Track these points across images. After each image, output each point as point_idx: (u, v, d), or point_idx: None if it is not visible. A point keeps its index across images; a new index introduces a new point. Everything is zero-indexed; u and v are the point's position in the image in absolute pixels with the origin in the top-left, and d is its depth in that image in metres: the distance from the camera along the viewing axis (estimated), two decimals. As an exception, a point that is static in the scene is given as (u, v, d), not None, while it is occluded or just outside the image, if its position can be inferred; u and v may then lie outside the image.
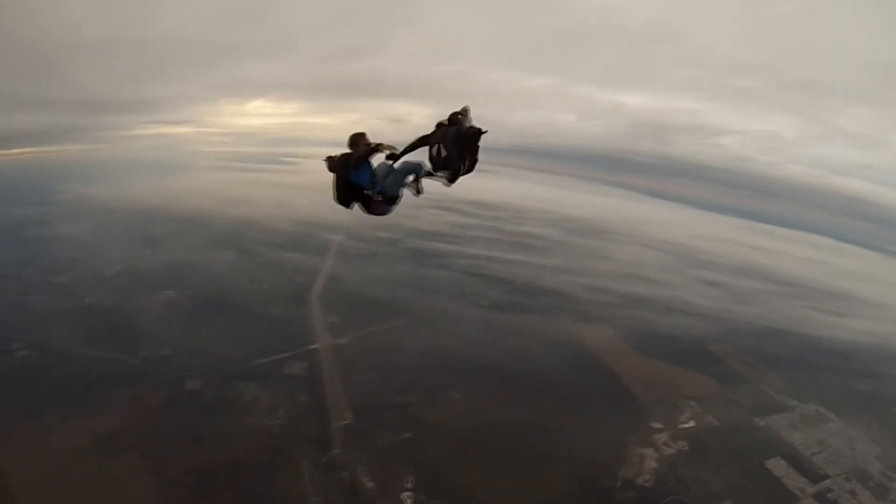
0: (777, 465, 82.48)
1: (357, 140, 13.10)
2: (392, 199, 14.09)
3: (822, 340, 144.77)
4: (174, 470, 71.20)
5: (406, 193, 14.49)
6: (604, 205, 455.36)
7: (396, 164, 13.57)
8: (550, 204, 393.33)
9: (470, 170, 12.81)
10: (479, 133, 12.12)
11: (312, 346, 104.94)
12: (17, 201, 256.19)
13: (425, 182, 14.06)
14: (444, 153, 12.58)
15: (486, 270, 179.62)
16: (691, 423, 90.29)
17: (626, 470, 78.97)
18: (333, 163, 13.26)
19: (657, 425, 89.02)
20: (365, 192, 13.42)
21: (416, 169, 13.43)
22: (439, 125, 13.37)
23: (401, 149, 13.46)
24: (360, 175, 13.02)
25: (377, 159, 13.42)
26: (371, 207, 13.92)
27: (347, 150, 13.23)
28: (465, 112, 13.32)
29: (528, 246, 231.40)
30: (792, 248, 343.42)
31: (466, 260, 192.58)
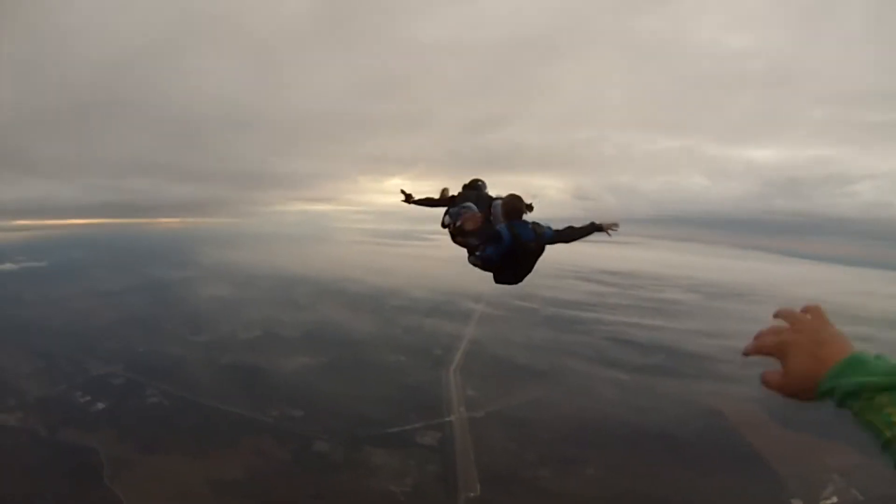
0: (926, 545, 74.77)
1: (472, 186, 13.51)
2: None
3: None
4: (289, 524, 70.46)
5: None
6: (743, 268, 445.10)
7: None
8: (689, 270, 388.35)
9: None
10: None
11: (447, 419, 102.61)
12: (164, 264, 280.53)
13: None
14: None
15: (626, 336, 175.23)
16: (833, 500, 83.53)
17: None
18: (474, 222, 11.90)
19: (797, 502, 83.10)
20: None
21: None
22: (465, 187, 13.50)
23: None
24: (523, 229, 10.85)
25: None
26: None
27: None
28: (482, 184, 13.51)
29: (669, 312, 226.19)
30: None
31: (606, 326, 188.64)
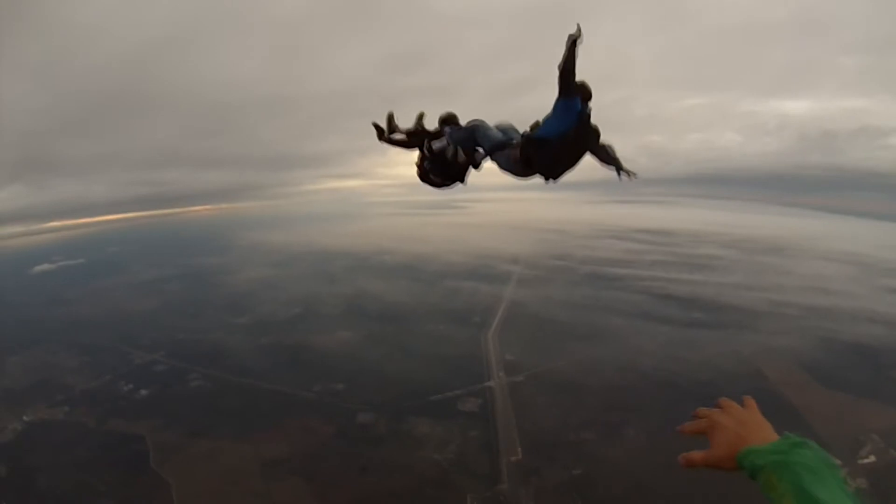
0: (970, 500, 73.50)
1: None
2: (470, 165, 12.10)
3: None
4: (339, 497, 70.68)
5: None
6: (779, 224, 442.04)
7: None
8: (724, 227, 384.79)
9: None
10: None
11: (487, 384, 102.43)
12: (200, 251, 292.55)
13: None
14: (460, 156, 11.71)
15: (666, 291, 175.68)
16: (871, 458, 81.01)
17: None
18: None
19: (835, 461, 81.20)
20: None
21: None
22: (442, 123, 12.26)
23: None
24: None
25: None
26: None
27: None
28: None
29: (707, 266, 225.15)
30: None
31: (645, 282, 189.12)
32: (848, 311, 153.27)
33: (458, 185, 12.37)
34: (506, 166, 10.23)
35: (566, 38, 8.02)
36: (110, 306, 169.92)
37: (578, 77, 8.48)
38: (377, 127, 12.62)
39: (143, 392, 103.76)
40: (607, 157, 10.24)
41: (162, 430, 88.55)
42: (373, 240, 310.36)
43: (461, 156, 11.72)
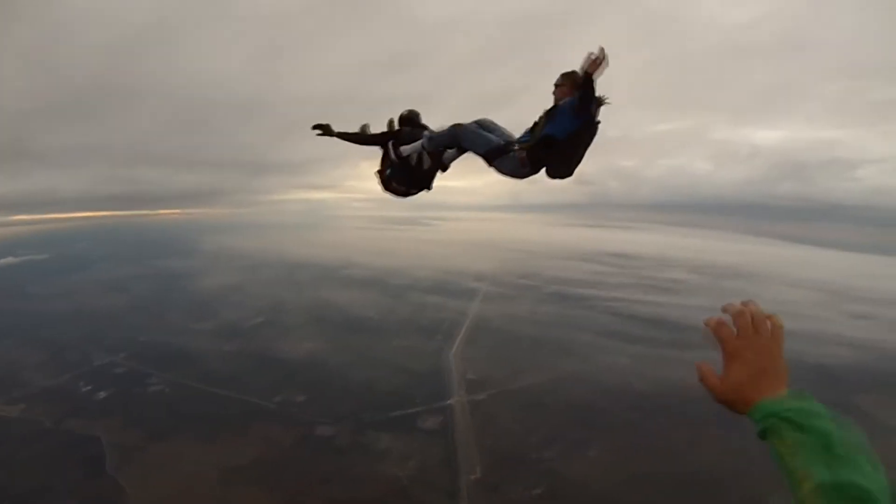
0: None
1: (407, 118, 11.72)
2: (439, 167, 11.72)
3: None
4: (299, 506, 70.61)
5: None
6: (747, 251, 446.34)
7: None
8: (692, 253, 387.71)
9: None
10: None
11: (449, 402, 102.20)
12: (167, 254, 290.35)
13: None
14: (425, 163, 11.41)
15: (631, 311, 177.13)
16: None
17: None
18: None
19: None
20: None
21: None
22: (403, 121, 11.81)
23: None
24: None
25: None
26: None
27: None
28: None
29: (672, 290, 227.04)
30: None
31: (610, 303, 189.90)
32: (813, 334, 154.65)
33: (424, 192, 11.87)
34: (508, 169, 10.03)
35: (589, 61, 8.18)
36: (73, 304, 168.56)
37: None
38: (321, 126, 11.47)
39: (102, 393, 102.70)
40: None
41: (120, 433, 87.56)
42: (340, 251, 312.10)
43: (426, 160, 11.39)
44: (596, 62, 8.21)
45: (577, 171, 9.91)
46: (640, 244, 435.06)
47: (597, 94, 8.65)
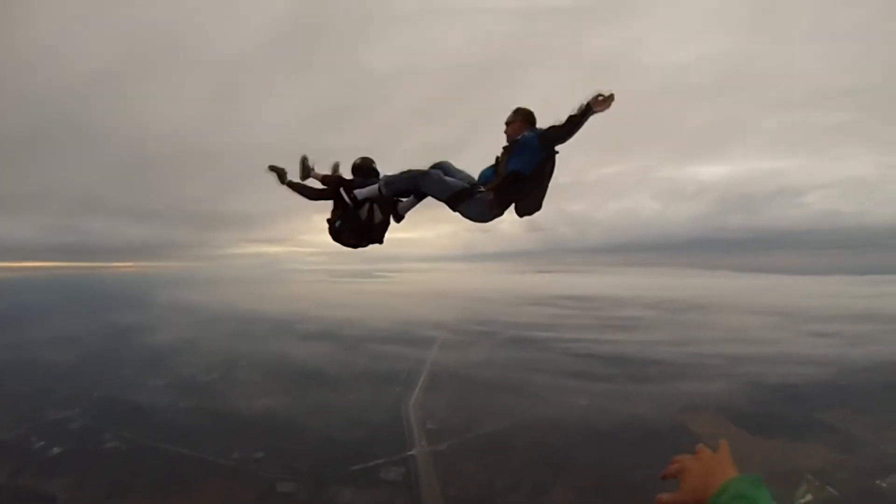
0: (905, 525, 75.19)
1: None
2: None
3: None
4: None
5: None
6: (702, 285, 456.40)
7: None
8: (646, 290, 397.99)
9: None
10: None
11: (410, 453, 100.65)
12: (120, 308, 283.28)
13: None
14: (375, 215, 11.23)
15: (589, 350, 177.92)
16: (808, 497, 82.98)
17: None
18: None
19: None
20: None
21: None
22: (356, 171, 11.73)
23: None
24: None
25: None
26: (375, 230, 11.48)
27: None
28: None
29: (629, 327, 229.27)
30: None
31: (567, 344, 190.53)
32: (774, 356, 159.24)
33: (376, 245, 11.75)
34: (476, 214, 9.89)
35: (596, 98, 8.24)
36: (24, 356, 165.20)
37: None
38: (276, 170, 11.83)
39: (56, 449, 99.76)
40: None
41: (76, 491, 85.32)
42: (294, 304, 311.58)
43: (378, 214, 11.21)
44: (604, 101, 8.18)
45: (535, 211, 9.89)
46: (595, 286, 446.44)
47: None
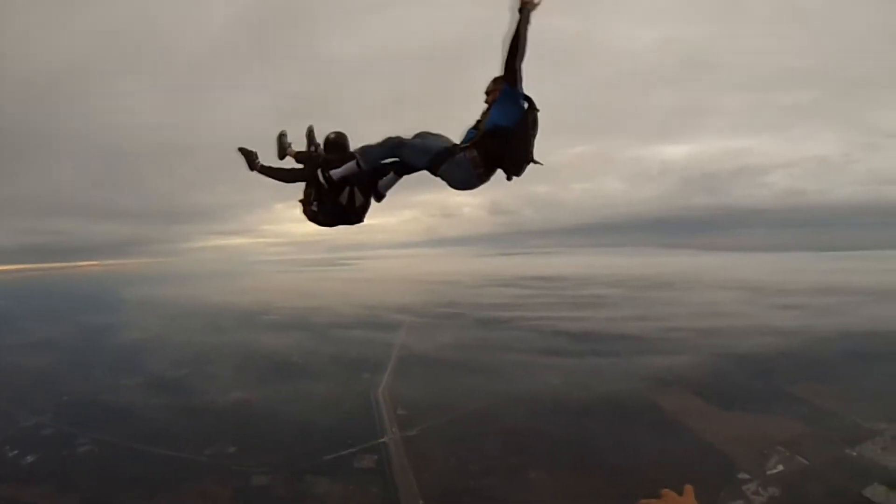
0: (876, 492, 75.91)
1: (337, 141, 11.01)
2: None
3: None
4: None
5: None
6: (668, 263, 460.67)
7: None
8: (611, 270, 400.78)
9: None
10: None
11: (382, 440, 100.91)
12: (88, 309, 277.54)
13: None
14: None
15: (556, 328, 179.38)
16: (780, 468, 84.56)
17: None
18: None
19: (744, 476, 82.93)
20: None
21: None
22: (329, 148, 11.13)
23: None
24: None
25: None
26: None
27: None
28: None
29: (595, 304, 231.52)
30: (863, 265, 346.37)
31: (534, 322, 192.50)
32: (741, 328, 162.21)
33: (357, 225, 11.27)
34: (459, 175, 9.47)
35: (519, 11, 7.99)
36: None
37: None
38: (246, 153, 11.27)
39: (31, 458, 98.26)
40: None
41: (55, 499, 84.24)
42: (260, 296, 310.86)
43: (358, 198, 10.83)
44: (523, 22, 8.04)
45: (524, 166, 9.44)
46: (560, 266, 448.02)
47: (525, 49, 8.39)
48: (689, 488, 4.41)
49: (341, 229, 11.61)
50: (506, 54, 8.51)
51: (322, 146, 11.22)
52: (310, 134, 11.32)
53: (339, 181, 10.44)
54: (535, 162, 9.59)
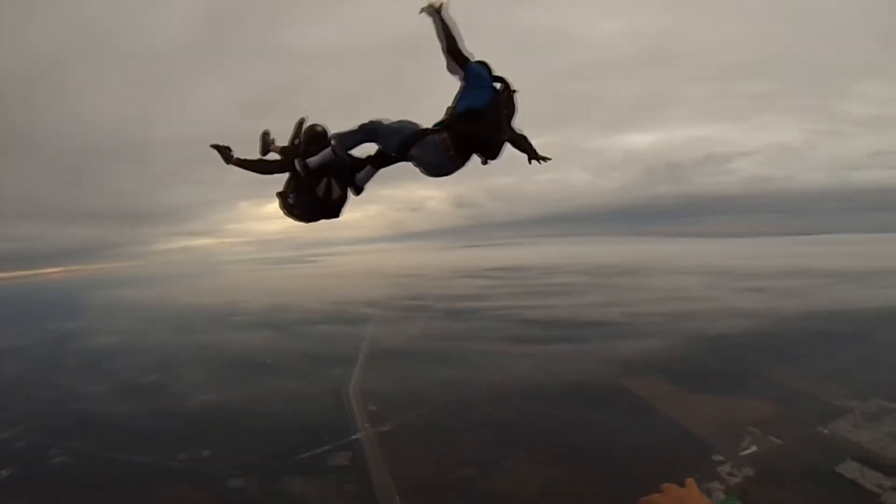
0: (849, 468, 77.17)
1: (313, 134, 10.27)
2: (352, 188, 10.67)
3: (875, 311, 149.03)
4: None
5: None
6: (634, 251, 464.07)
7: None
8: (576, 259, 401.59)
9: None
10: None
11: (355, 437, 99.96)
12: (57, 315, 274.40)
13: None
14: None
15: (523, 317, 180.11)
16: (753, 448, 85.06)
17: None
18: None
19: (718, 458, 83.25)
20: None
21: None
22: (309, 140, 10.41)
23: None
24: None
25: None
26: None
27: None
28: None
29: (561, 293, 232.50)
30: (827, 249, 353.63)
31: (501, 311, 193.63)
32: (710, 311, 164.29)
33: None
34: (430, 158, 9.31)
35: (428, 11, 8.45)
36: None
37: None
38: (219, 148, 10.68)
39: (4, 472, 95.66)
40: (524, 144, 9.80)
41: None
42: (227, 296, 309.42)
43: (336, 190, 10.45)
44: (438, 21, 8.48)
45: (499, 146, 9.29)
46: (525, 257, 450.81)
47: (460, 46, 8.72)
48: (690, 481, 4.08)
49: (309, 226, 11.44)
50: (444, 50, 8.79)
51: (303, 138, 10.61)
52: (299, 126, 10.70)
53: (316, 170, 10.27)
54: (544, 159, 9.87)
